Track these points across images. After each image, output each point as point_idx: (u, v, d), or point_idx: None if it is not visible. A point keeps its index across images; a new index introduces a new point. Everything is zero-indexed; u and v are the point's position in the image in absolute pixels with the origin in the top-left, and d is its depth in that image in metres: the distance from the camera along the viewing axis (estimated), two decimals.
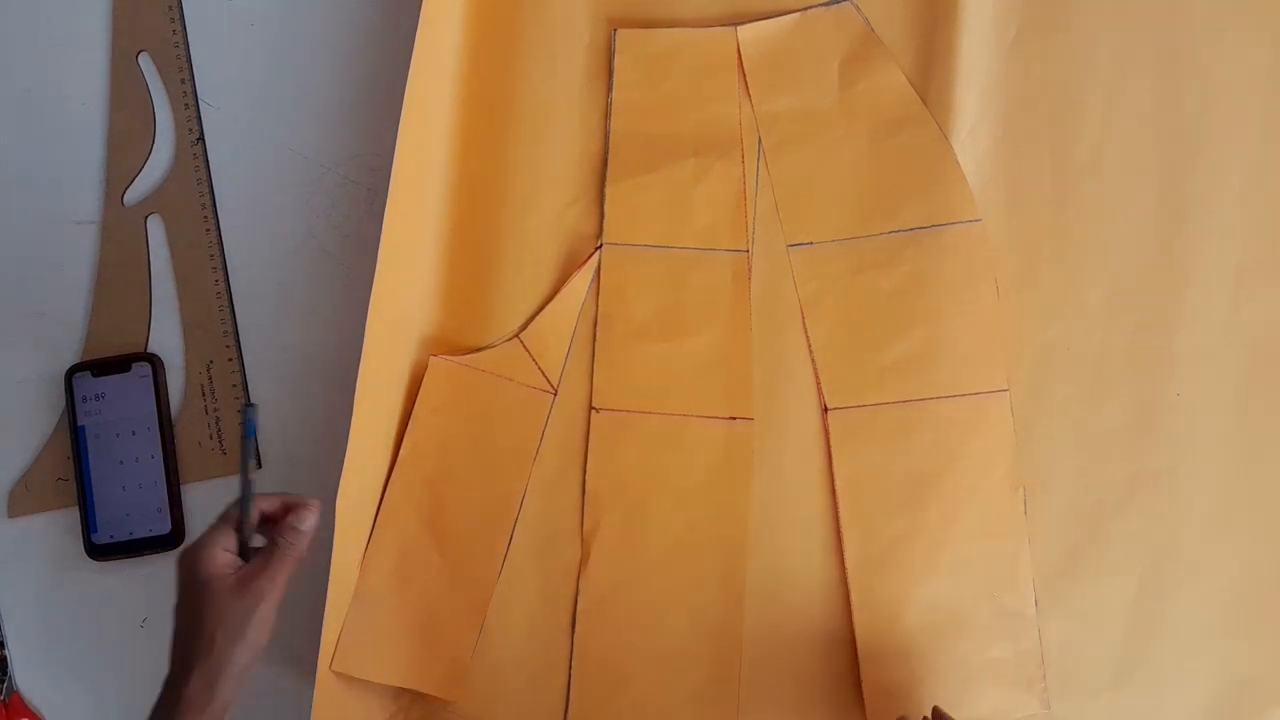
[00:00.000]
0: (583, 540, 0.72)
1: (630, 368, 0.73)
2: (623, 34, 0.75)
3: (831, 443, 0.72)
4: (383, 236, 0.70)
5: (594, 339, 0.74)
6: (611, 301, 0.74)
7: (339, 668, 0.69)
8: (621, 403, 0.73)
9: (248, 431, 0.64)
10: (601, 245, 0.74)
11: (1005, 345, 0.72)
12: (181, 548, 0.64)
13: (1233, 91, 0.73)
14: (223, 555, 0.61)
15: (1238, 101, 0.73)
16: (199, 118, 0.78)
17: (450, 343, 0.74)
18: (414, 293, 0.73)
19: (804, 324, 0.73)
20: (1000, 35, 0.74)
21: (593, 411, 0.73)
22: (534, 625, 0.72)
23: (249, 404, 0.63)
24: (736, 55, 0.75)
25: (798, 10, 0.74)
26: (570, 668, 0.71)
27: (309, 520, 0.62)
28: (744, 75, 0.75)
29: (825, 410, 0.72)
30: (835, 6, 0.74)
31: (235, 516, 0.62)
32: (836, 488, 0.72)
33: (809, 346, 0.73)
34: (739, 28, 0.74)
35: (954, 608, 0.69)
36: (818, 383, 0.73)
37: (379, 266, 0.69)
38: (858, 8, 0.74)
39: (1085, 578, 0.71)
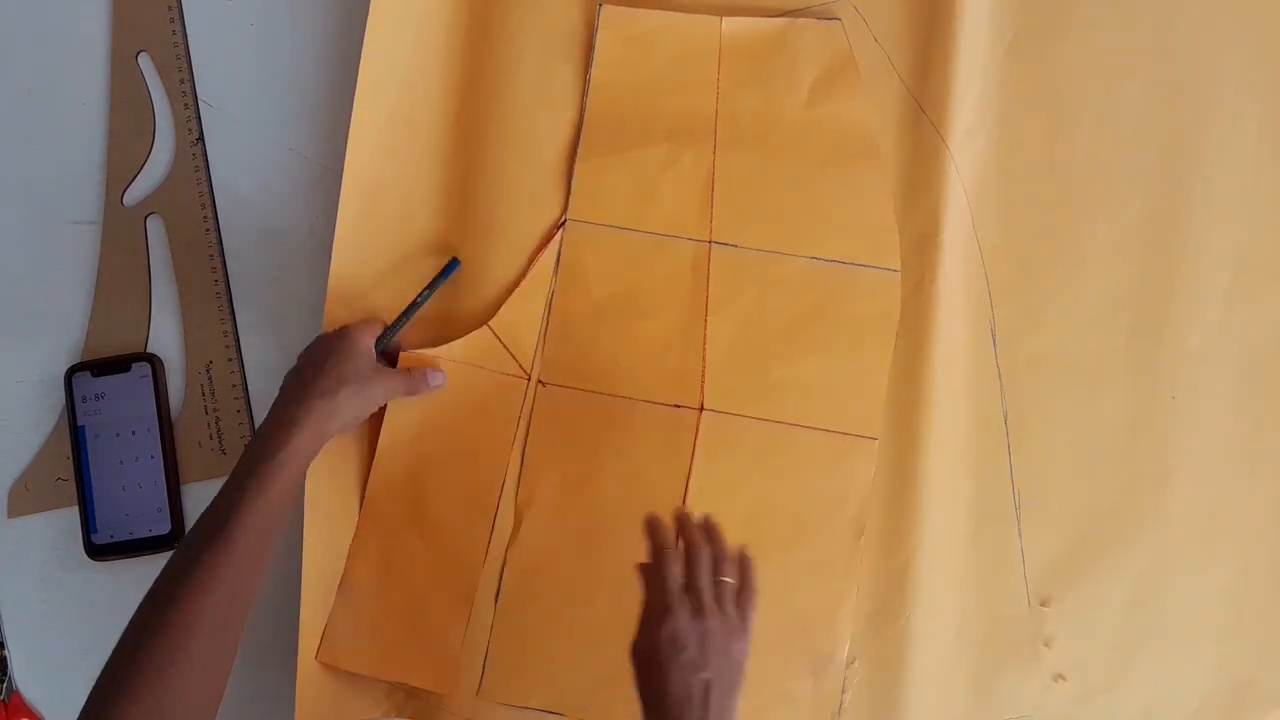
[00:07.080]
0: (515, 510, 0.72)
1: (581, 345, 0.73)
2: (608, 10, 0.75)
3: (697, 443, 0.72)
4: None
5: (547, 312, 0.73)
6: (569, 277, 0.74)
7: (325, 659, 0.70)
8: (568, 379, 0.73)
9: (443, 274, 0.73)
10: (565, 221, 0.74)
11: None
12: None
13: (1228, 94, 0.73)
14: (371, 339, 0.70)
15: (1233, 104, 0.73)
16: (199, 118, 0.78)
17: (446, 336, 0.74)
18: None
19: (705, 320, 0.73)
20: (998, 38, 0.74)
21: (539, 385, 0.73)
22: None
23: (456, 260, 0.73)
24: (719, 46, 0.74)
25: (789, 14, 0.74)
26: (490, 636, 0.71)
27: (438, 379, 0.72)
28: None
29: (701, 409, 0.72)
30: (825, 23, 0.74)
31: (381, 324, 0.72)
32: (689, 488, 0.71)
33: (704, 343, 0.73)
34: (724, 19, 0.74)
35: (768, 629, 0.65)
36: (702, 381, 0.72)
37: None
38: (862, 18, 0.74)
39: (1083, 580, 0.71)
